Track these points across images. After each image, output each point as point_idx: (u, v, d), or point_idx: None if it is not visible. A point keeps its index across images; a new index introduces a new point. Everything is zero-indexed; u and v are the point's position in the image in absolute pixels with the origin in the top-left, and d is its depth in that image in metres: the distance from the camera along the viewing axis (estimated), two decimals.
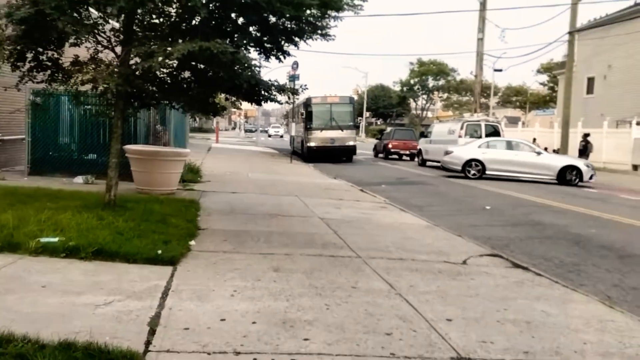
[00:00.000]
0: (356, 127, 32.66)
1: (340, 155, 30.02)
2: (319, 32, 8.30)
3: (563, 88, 34.55)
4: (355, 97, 41.70)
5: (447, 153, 23.65)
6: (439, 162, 27.99)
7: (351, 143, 29.79)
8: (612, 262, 8.56)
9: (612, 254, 9.09)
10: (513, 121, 60.80)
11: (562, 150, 30.06)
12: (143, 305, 4.75)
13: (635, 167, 30.81)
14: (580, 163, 22.35)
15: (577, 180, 21.61)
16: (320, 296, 5.40)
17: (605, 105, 38.64)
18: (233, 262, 6.44)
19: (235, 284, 5.58)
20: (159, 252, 6.26)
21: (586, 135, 29.18)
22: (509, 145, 23.19)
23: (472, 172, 22.47)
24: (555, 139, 35.88)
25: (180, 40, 7.60)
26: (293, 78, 29.63)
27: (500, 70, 52.49)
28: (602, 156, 32.14)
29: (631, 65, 36.61)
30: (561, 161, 22.53)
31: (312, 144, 29.18)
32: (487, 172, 22.37)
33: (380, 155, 36.71)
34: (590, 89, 42.02)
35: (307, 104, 29.70)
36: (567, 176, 21.69)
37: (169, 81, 8.67)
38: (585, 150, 28.23)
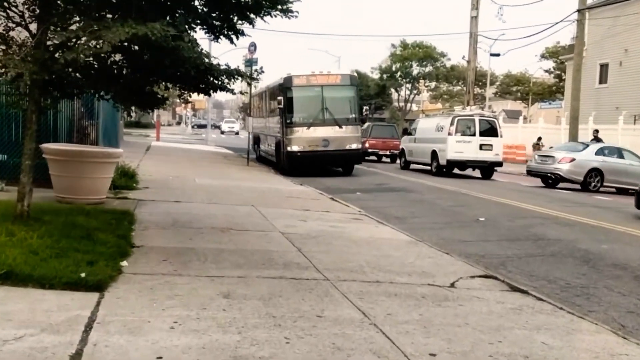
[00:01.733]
0: (362, 121, 26.32)
1: (337, 163, 25.55)
2: (279, 6, 8.31)
3: (571, 76, 35.15)
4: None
5: (562, 161, 23.42)
6: (424, 164, 28.30)
7: (354, 146, 24.46)
8: (627, 283, 8.74)
9: (627, 274, 9.28)
10: (513, 115, 61.63)
11: None
12: (61, 341, 4.68)
13: None
14: None
15: None
16: (279, 327, 5.39)
17: (620, 96, 39.45)
18: (174, 286, 6.40)
19: (175, 313, 5.54)
20: (83, 275, 6.18)
21: (596, 131, 29.74)
22: (620, 154, 23.55)
23: (593, 183, 22.54)
24: (562, 137, 36.51)
25: (110, 16, 7.53)
26: (250, 62, 28.19)
27: (498, 55, 53.08)
28: None
29: None
30: None
31: (294, 147, 23.85)
32: (604, 184, 22.50)
33: None
34: (603, 78, 42.86)
35: (286, 86, 24.36)
36: None
37: (95, 66, 8.58)
38: None
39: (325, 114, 24.13)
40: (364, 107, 27.29)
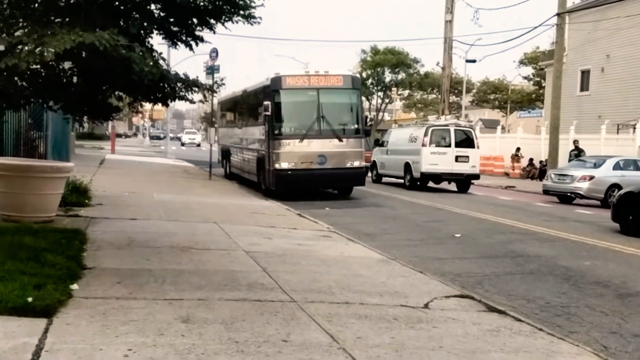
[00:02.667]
0: (366, 133, 22.80)
1: (335, 185, 22.68)
2: (241, 12, 8.35)
3: (551, 83, 35.58)
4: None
5: (581, 179, 23.55)
6: (397, 177, 28.44)
7: (356, 163, 21.45)
8: (610, 302, 8.86)
9: (610, 292, 9.42)
10: (491, 125, 62.19)
11: (551, 161, 30.99)
12: None
13: None
14: None
15: None
16: (242, 353, 5.38)
17: (603, 105, 39.99)
18: (128, 311, 6.35)
19: (130, 340, 5.50)
20: (30, 299, 6.11)
21: (576, 142, 30.18)
22: (637, 165, 23.86)
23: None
24: (542, 147, 36.93)
25: (58, 21, 7.50)
26: (212, 70, 27.69)
27: (474, 61, 53.55)
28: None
29: (633, 54, 37.99)
30: None
31: (283, 164, 20.78)
32: None
33: None
34: (584, 85, 43.47)
35: (274, 89, 21.34)
36: None
37: (43, 74, 8.53)
38: None
39: (321, 124, 21.12)
40: (368, 116, 25.18)
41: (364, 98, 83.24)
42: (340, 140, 21.02)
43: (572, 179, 23.74)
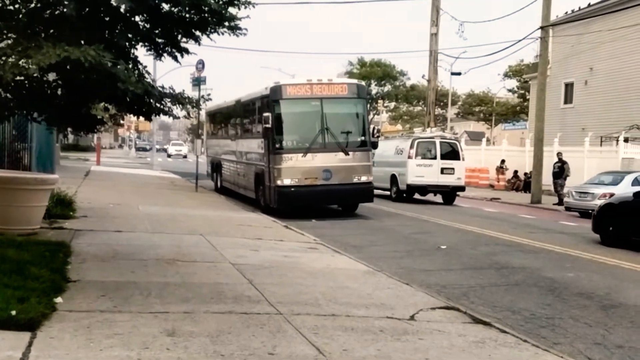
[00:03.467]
0: (373, 145, 21.19)
1: (341, 201, 21.28)
2: (226, 23, 8.35)
3: (535, 96, 35.80)
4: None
5: (601, 197, 23.27)
6: (384, 189, 28.47)
7: (364, 178, 20.21)
8: (594, 313, 8.89)
9: (594, 304, 9.45)
10: (476, 137, 62.50)
11: (536, 173, 31.11)
12: None
13: None
14: None
15: None
16: None
17: (586, 117, 40.27)
18: (113, 324, 6.31)
19: (114, 354, 5.46)
20: (13, 313, 6.07)
21: (559, 154, 30.38)
22: None
23: None
24: (527, 159, 37.09)
25: (43, 35, 7.47)
26: (198, 81, 27.31)
27: (459, 74, 53.76)
28: (583, 180, 33.37)
29: (616, 68, 38.33)
30: None
31: (285, 180, 19.42)
32: None
33: None
34: (568, 98, 43.77)
35: (274, 99, 19.97)
36: None
37: (27, 86, 8.49)
38: (561, 172, 29.37)
39: (326, 136, 19.73)
40: (375, 127, 23.54)
41: None
42: (347, 153, 19.72)
43: (593, 197, 23.90)
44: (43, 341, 5.66)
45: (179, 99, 8.84)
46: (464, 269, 11.84)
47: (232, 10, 8.49)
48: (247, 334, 6.34)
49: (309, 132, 19.87)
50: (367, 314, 7.53)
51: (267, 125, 19.44)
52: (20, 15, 8.08)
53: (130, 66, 8.01)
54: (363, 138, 20.51)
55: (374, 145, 21.10)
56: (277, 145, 19.55)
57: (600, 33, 37.35)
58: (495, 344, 6.67)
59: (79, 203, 15.65)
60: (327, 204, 21.40)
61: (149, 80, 8.58)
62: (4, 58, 7.28)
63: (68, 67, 7.89)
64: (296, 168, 19.40)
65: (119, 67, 7.23)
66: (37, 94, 8.55)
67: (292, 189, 19.43)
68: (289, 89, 19.89)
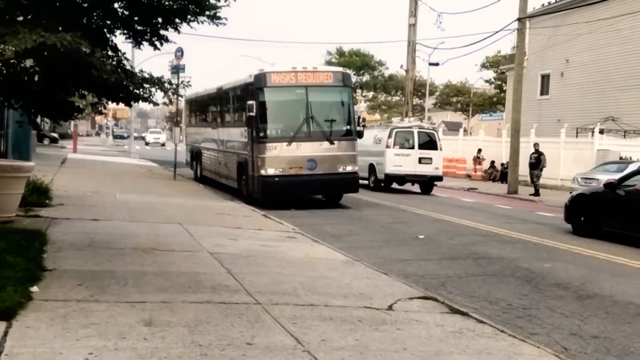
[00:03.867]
0: (359, 134, 20.81)
1: (326, 191, 20.93)
2: (207, 12, 8.28)
3: (512, 87, 35.98)
4: None
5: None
6: (362, 178, 28.44)
7: (349, 168, 19.99)
8: (570, 304, 8.95)
9: (570, 294, 9.51)
10: (453, 127, 62.81)
11: (512, 164, 31.27)
12: None
13: None
14: None
15: None
16: (205, 357, 5.33)
17: (562, 109, 40.58)
18: (89, 314, 6.24)
19: (91, 344, 5.40)
20: None
21: (536, 145, 30.56)
22: None
23: None
24: (504, 150, 37.31)
25: (21, 18, 7.35)
26: (177, 69, 26.98)
27: (437, 65, 53.93)
28: (559, 171, 33.69)
29: (592, 60, 38.64)
30: None
31: (269, 170, 19.10)
32: None
33: None
34: (544, 89, 44.06)
35: (258, 87, 19.53)
36: None
37: (4, 72, 8.36)
38: (538, 163, 29.55)
39: (311, 125, 19.44)
40: (361, 116, 22.88)
41: None
42: (332, 142, 19.51)
43: (599, 183, 24.10)
44: (19, 331, 5.59)
45: (159, 84, 8.75)
46: (441, 258, 11.87)
47: None
48: (226, 323, 6.30)
49: (294, 121, 19.57)
50: (345, 303, 7.52)
51: (251, 114, 19.06)
52: None
53: (109, 53, 7.91)
54: (348, 127, 20.25)
55: (360, 135, 20.78)
56: (261, 134, 19.25)
57: (576, 25, 37.58)
58: (473, 334, 6.68)
59: (55, 191, 15.50)
60: (311, 194, 21.06)
61: (127, 67, 8.47)
62: None
63: (45, 53, 7.79)
64: (280, 157, 19.10)
65: (96, 54, 7.14)
66: (13, 81, 8.43)
67: (276, 179, 19.11)
68: (273, 77, 19.47)
